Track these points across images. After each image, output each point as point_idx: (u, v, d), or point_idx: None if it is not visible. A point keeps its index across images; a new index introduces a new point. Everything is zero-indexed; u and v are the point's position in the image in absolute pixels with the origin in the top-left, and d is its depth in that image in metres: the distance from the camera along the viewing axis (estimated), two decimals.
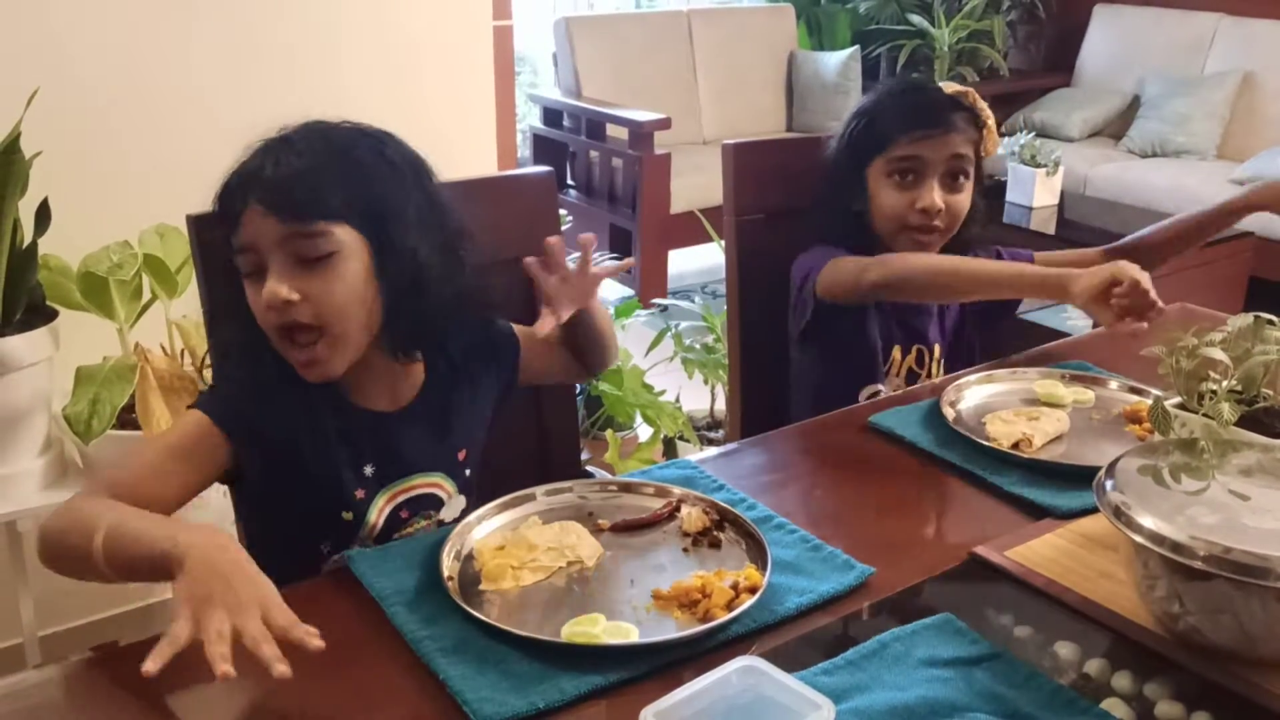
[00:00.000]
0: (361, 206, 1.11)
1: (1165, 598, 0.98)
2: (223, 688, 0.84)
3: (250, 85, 2.21)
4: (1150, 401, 1.42)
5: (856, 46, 4.93)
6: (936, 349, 1.66)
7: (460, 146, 2.46)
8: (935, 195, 1.54)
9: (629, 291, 4.35)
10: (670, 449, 2.56)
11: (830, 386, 1.59)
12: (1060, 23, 5.46)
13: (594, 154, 4.54)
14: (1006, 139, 3.56)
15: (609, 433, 2.26)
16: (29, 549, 1.86)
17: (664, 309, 3.02)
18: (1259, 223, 3.88)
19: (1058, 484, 1.26)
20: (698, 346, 2.54)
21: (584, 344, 1.38)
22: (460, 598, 1.02)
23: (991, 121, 1.57)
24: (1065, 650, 1.02)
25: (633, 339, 2.76)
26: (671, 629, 1.00)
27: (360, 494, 1.20)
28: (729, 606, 1.02)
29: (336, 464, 1.18)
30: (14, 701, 0.93)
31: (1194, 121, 4.72)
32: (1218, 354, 1.09)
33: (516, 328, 1.36)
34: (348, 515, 1.19)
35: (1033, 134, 3.91)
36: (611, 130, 4.44)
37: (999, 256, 1.69)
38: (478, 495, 1.27)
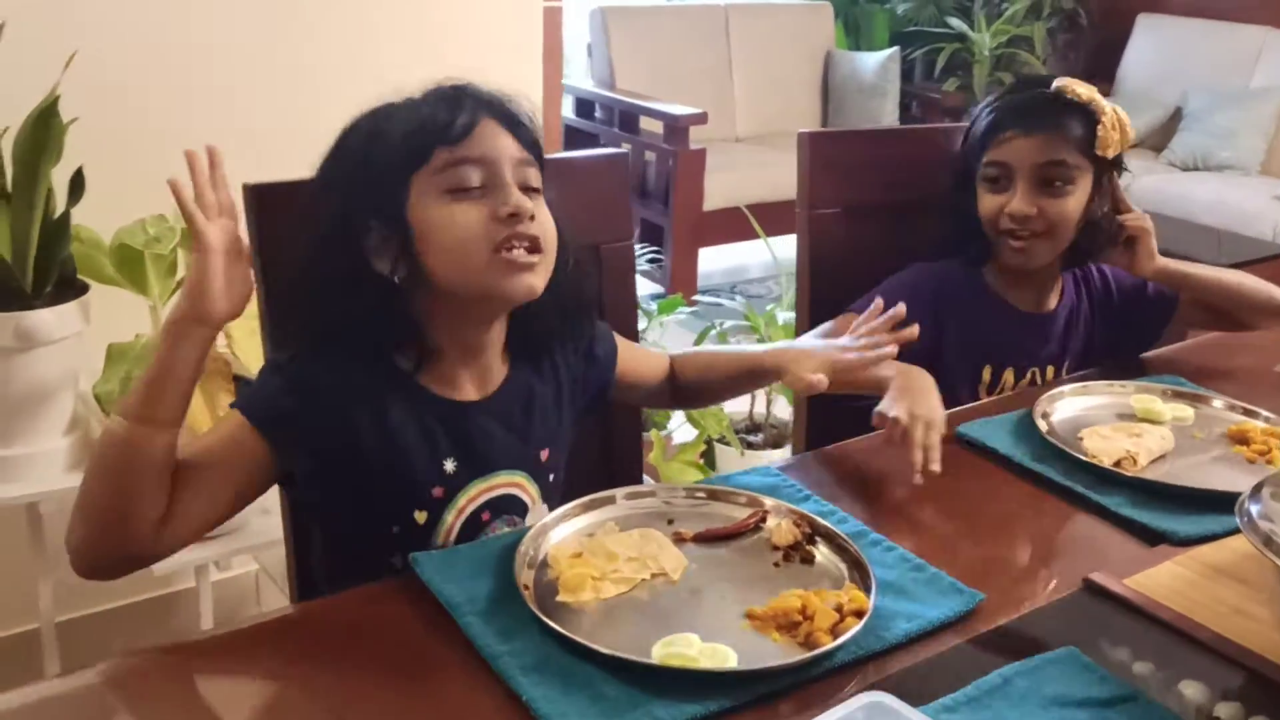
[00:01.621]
0: (542, 153, 1.10)
1: None
2: (281, 699, 0.76)
3: (288, 58, 2.13)
4: (1262, 425, 1.34)
5: (896, 48, 4.83)
6: (1050, 370, 1.56)
7: None
8: (1022, 200, 1.43)
9: (659, 289, 4.26)
10: (710, 452, 2.47)
11: None
12: (1101, 31, 5.37)
13: (626, 147, 4.45)
14: None
15: (654, 433, 2.17)
16: (50, 532, 1.77)
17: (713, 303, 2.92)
18: None
19: (1170, 507, 1.17)
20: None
21: (713, 389, 1.35)
22: (539, 609, 0.93)
23: (1111, 117, 1.43)
24: (1192, 691, 0.93)
25: (671, 337, 2.67)
26: (772, 653, 0.91)
27: (439, 492, 1.10)
28: (833, 631, 0.93)
29: (411, 458, 1.09)
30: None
31: (1239, 136, 4.62)
32: None
33: (617, 336, 1.29)
34: (421, 516, 1.10)
35: None
36: (645, 123, 4.35)
37: (1144, 285, 1.57)
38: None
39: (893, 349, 1.23)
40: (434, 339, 1.09)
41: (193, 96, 2.05)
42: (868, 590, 0.98)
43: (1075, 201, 1.45)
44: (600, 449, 1.45)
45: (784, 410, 2.70)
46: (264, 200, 1.17)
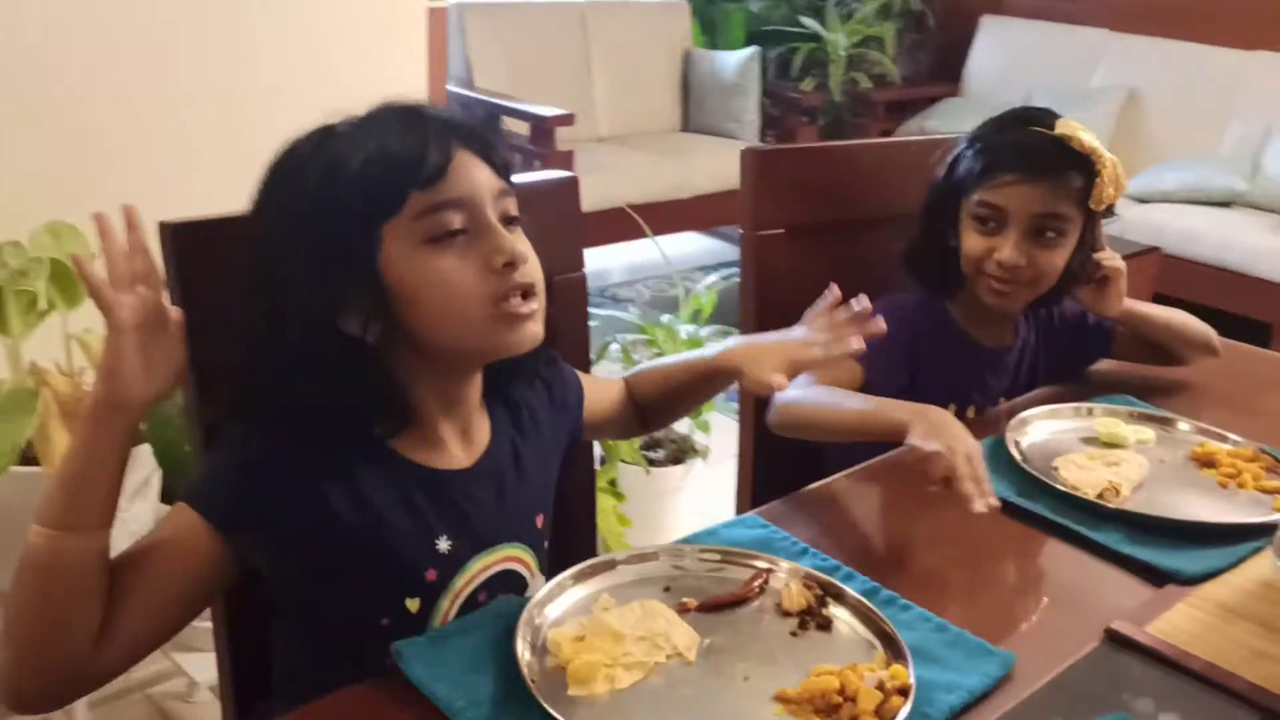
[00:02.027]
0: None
1: None
2: None
3: (155, 73, 1.93)
4: (1227, 447, 1.33)
5: (756, 47, 4.82)
6: (1000, 403, 1.50)
7: None
8: (1014, 250, 1.36)
9: None
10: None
11: None
12: (948, 32, 5.48)
13: None
14: None
15: None
16: None
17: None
18: (1163, 239, 3.96)
19: (1165, 541, 1.13)
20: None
21: (673, 402, 1.24)
22: (552, 708, 0.82)
23: (1110, 170, 1.35)
24: None
25: None
26: None
27: (432, 575, 0.97)
28: (879, 712, 0.85)
29: (399, 539, 0.95)
30: None
31: None
32: None
33: (578, 373, 1.19)
34: (414, 604, 0.97)
35: None
36: (508, 124, 4.21)
37: (1084, 318, 1.55)
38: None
39: (859, 344, 1.16)
40: (413, 400, 0.97)
41: (41, 118, 1.84)
42: (899, 659, 0.91)
43: (1064, 253, 1.39)
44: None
45: (682, 424, 2.63)
46: (185, 242, 1.01)
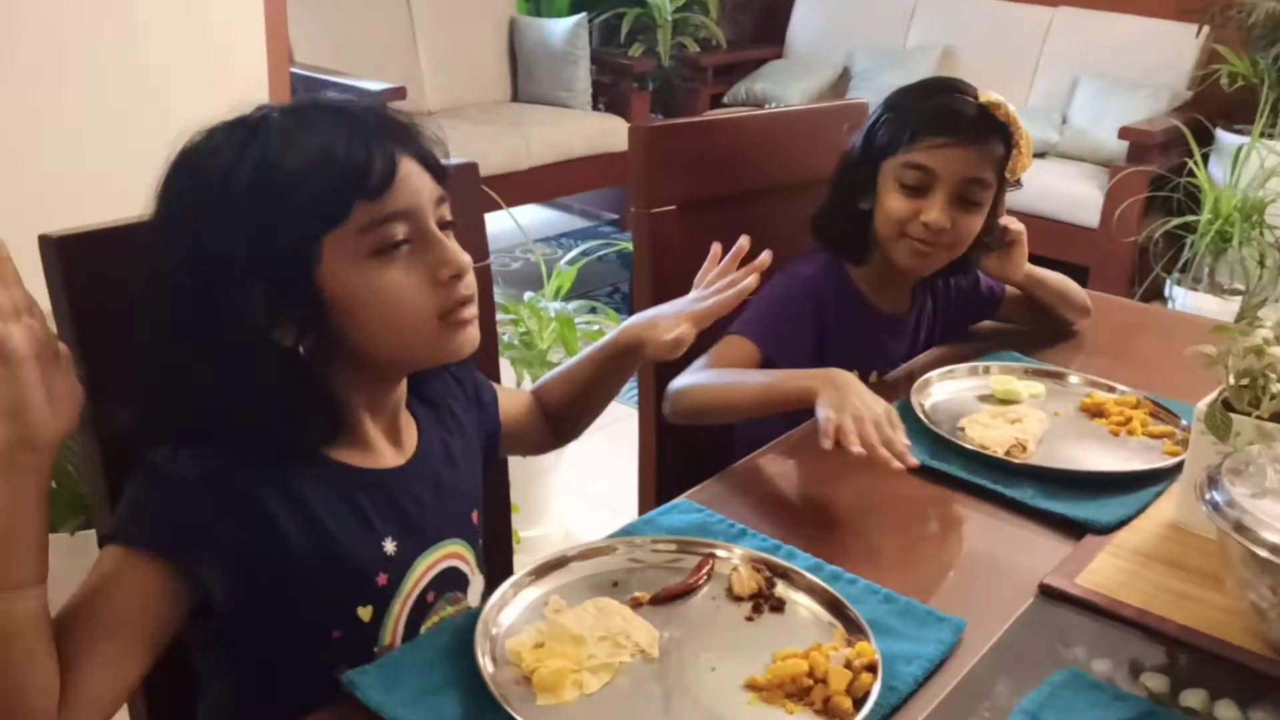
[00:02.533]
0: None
1: None
2: None
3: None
4: (1114, 396, 1.39)
5: (583, 14, 4.76)
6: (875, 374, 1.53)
7: None
8: (941, 212, 1.38)
9: None
10: None
11: None
12: None
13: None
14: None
15: None
16: None
17: None
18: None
19: (1076, 493, 1.18)
20: (516, 343, 2.32)
21: (583, 400, 1.21)
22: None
23: (1025, 142, 1.40)
24: (1154, 683, 0.94)
25: None
26: None
27: (383, 580, 0.93)
28: (849, 691, 0.85)
29: (348, 545, 0.90)
30: None
31: None
32: None
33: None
34: (366, 612, 0.92)
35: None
36: None
37: (977, 284, 1.59)
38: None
39: (752, 281, 1.16)
40: (347, 407, 0.92)
41: None
42: (858, 634, 0.92)
43: (980, 219, 1.42)
44: None
45: None
46: (72, 256, 0.92)
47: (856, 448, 1.10)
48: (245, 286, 0.84)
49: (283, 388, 0.86)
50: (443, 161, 0.94)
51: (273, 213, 0.83)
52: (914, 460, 1.12)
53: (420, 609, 0.97)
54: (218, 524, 0.84)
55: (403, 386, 0.98)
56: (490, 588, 0.98)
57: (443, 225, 0.91)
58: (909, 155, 1.39)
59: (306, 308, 0.86)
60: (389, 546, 0.94)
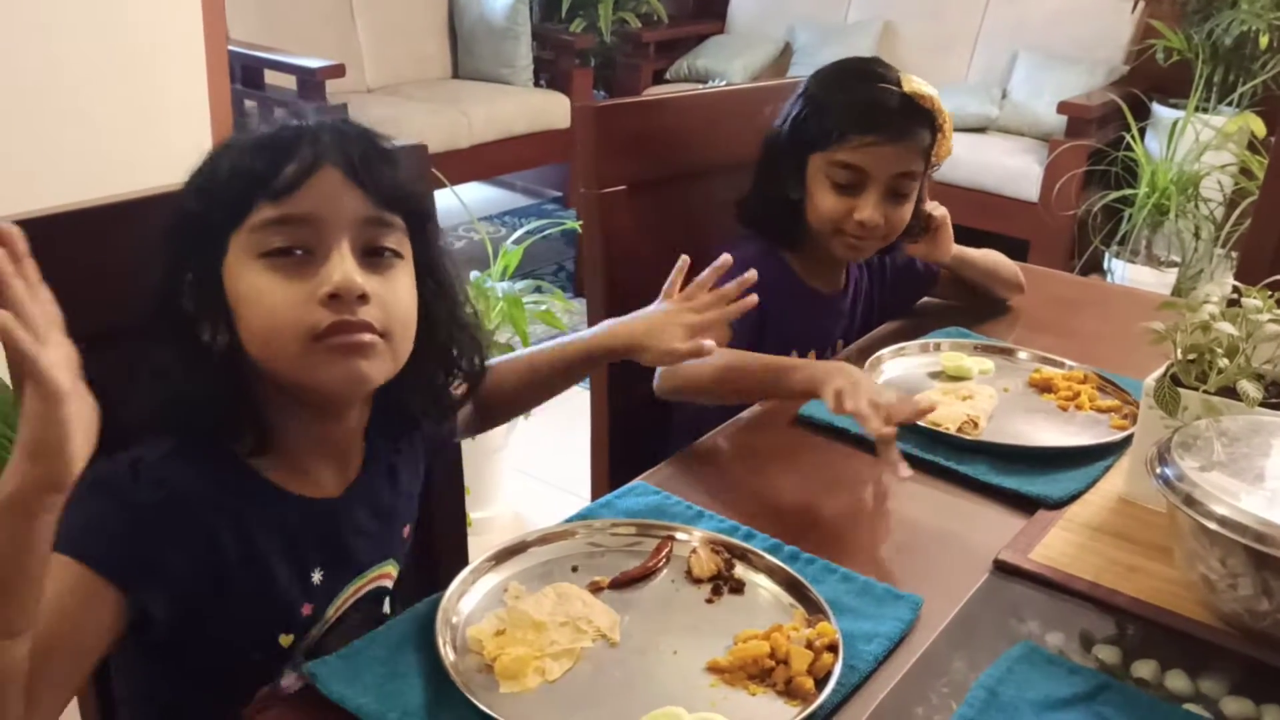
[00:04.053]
0: (412, 205, 0.90)
1: (1252, 595, 0.92)
2: None
3: None
4: (1062, 371, 1.41)
5: None
6: (839, 345, 1.54)
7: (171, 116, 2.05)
8: (875, 210, 1.38)
9: None
10: None
11: None
12: None
13: (249, 104, 4.05)
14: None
15: None
16: None
17: None
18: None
19: (1028, 469, 1.19)
20: None
21: (537, 392, 1.19)
22: (491, 710, 0.79)
23: (949, 126, 1.41)
24: (1106, 654, 0.95)
25: None
26: (763, 710, 0.83)
27: (308, 610, 0.92)
28: (811, 671, 0.86)
29: (276, 575, 0.89)
30: None
31: None
32: (1228, 328, 1.05)
33: None
34: (286, 640, 0.91)
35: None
36: (271, 78, 3.97)
37: (912, 260, 1.60)
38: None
39: (752, 299, 1.17)
40: (273, 425, 0.89)
41: None
42: (818, 614, 0.92)
43: (911, 207, 1.42)
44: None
45: None
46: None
47: (884, 428, 1.11)
48: (177, 272, 0.85)
49: (206, 386, 0.85)
50: (408, 190, 0.90)
51: (200, 203, 0.85)
52: (908, 470, 1.11)
53: (340, 628, 0.96)
54: (172, 555, 0.82)
55: (351, 423, 0.95)
56: (446, 573, 0.97)
57: (371, 251, 0.87)
58: (838, 154, 1.38)
59: (212, 302, 0.85)
60: (316, 577, 0.92)
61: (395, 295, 0.87)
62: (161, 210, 0.88)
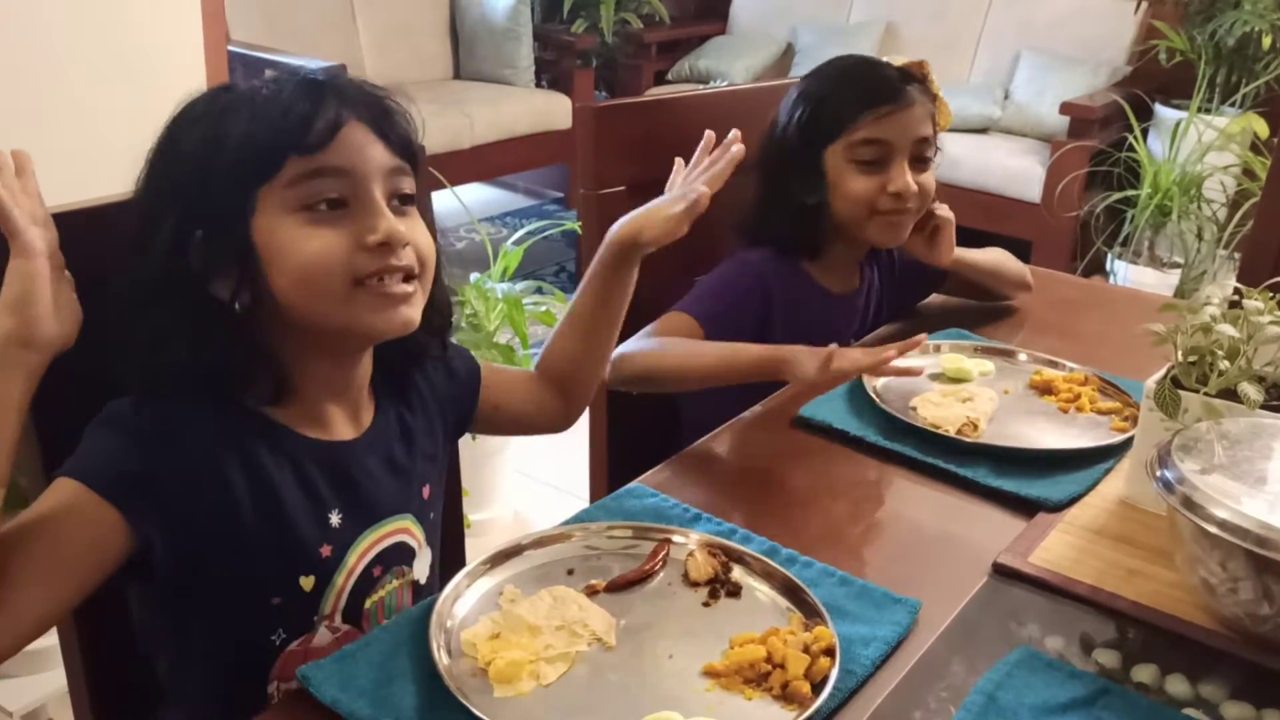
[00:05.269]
0: (415, 150, 0.94)
1: (1253, 599, 0.92)
2: None
3: None
4: (1062, 373, 1.40)
5: None
6: (851, 344, 1.53)
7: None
8: (908, 177, 1.38)
9: None
10: None
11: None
12: None
13: None
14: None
15: None
16: None
17: None
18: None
19: (1028, 472, 1.18)
20: (463, 325, 2.29)
21: (588, 341, 1.17)
22: (485, 714, 0.78)
23: (941, 93, 1.43)
24: (1107, 658, 0.95)
25: None
26: (755, 715, 0.82)
27: (327, 551, 0.93)
28: (807, 676, 0.85)
29: (294, 514, 0.91)
30: None
31: None
32: (1229, 330, 1.04)
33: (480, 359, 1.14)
34: (308, 583, 0.92)
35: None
36: None
37: (920, 261, 1.56)
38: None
39: (740, 150, 1.20)
40: (290, 374, 0.92)
41: None
42: (815, 618, 0.91)
43: (934, 174, 1.43)
44: None
45: None
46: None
47: (885, 352, 1.20)
48: (185, 232, 0.86)
49: (221, 342, 0.87)
50: (415, 141, 0.94)
51: (214, 161, 0.85)
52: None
53: (365, 582, 0.97)
54: (171, 480, 0.84)
55: (363, 369, 0.98)
56: (443, 575, 0.97)
57: (398, 199, 0.91)
58: (857, 134, 1.39)
59: (239, 261, 0.86)
60: (334, 519, 0.94)
61: (422, 237, 0.92)
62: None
